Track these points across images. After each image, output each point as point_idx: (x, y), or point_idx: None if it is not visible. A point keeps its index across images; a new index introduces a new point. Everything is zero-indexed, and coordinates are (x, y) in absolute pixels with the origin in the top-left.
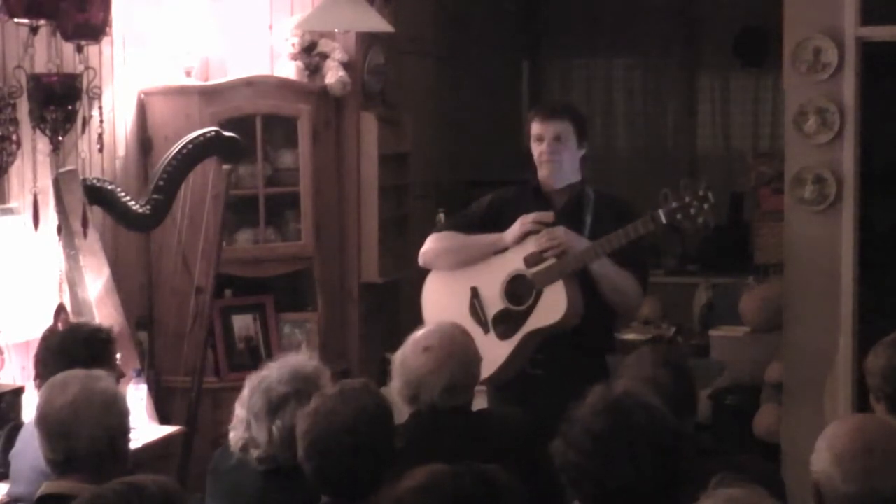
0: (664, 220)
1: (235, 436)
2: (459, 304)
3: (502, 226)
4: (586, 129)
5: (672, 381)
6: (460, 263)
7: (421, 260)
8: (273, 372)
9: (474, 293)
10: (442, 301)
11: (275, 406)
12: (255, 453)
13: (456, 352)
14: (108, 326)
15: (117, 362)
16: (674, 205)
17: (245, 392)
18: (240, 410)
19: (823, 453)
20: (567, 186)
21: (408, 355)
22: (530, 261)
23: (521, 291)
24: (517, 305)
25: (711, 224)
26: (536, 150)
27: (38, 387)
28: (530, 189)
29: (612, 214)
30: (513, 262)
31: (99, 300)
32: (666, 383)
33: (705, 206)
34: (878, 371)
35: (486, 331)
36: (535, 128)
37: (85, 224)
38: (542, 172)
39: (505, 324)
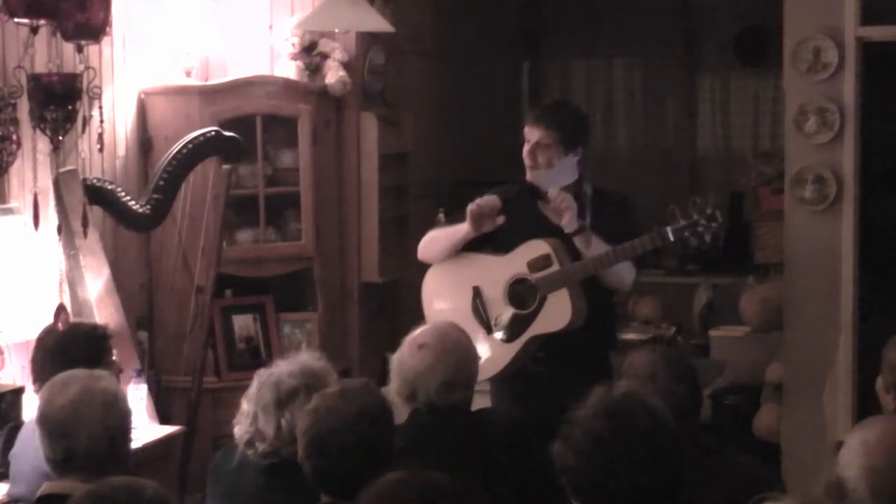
0: (671, 238)
1: (240, 430)
2: (462, 303)
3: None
4: (581, 135)
5: (676, 381)
6: (441, 252)
7: (418, 254)
8: (282, 367)
9: (476, 293)
10: (444, 299)
11: (283, 399)
12: (260, 447)
13: (451, 348)
14: (103, 324)
15: (114, 358)
16: (682, 223)
17: (253, 387)
18: (246, 405)
19: (856, 458)
20: (564, 187)
21: (404, 354)
22: (534, 265)
23: (524, 295)
24: (520, 309)
25: (720, 243)
26: (524, 150)
27: (37, 390)
28: (526, 187)
29: (611, 209)
30: (515, 264)
31: (99, 300)
32: (669, 383)
33: (713, 224)
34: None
35: (489, 332)
36: (525, 129)
37: (85, 224)
38: (527, 173)
39: (508, 326)
